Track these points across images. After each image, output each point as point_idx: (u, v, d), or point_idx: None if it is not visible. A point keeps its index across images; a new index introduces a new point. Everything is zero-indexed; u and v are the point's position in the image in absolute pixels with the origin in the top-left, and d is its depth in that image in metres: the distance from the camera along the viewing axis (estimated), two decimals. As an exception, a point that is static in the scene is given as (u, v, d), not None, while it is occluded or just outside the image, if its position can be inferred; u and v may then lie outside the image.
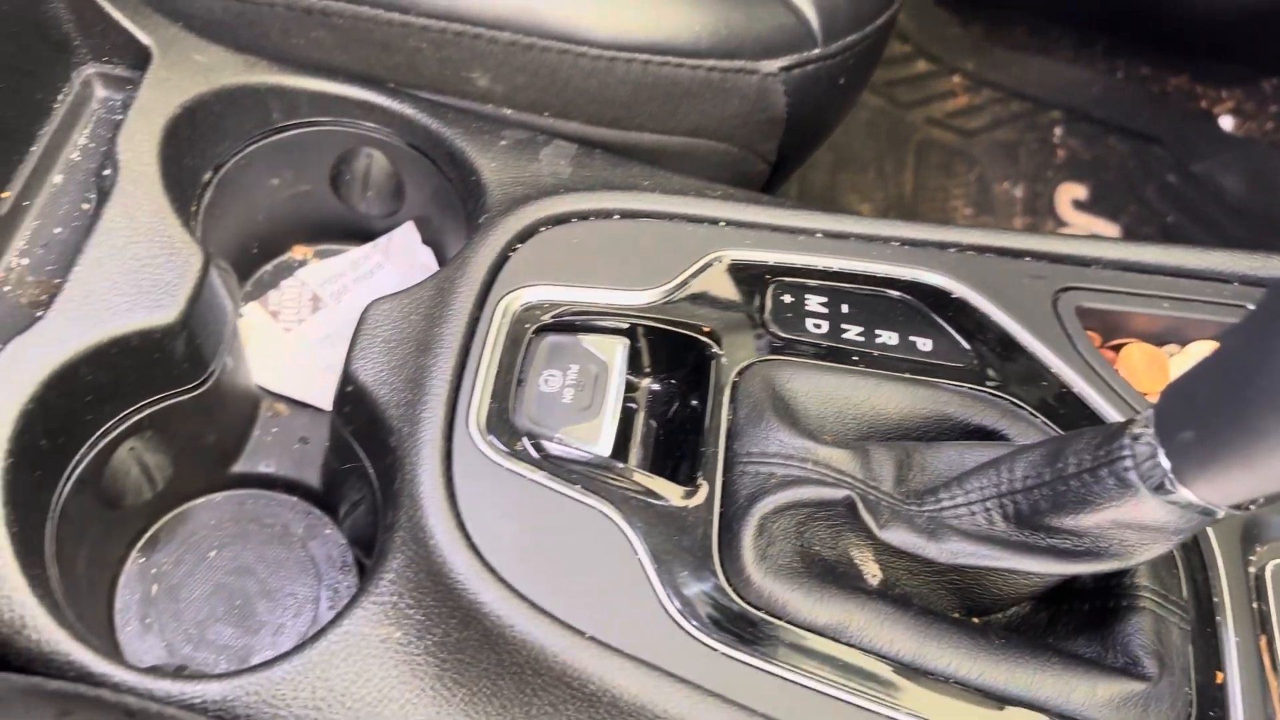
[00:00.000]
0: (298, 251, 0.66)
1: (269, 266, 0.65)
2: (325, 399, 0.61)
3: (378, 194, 0.62)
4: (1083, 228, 1.41)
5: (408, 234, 0.65)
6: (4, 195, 0.48)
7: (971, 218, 1.35)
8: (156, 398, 0.48)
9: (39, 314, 0.46)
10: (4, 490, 0.41)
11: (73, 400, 0.44)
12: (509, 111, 0.61)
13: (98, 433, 0.46)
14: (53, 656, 0.41)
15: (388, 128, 0.59)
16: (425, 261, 0.64)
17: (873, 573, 0.49)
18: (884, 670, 0.45)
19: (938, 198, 1.35)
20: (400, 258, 0.65)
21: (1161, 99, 1.50)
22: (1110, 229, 1.39)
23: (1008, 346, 0.54)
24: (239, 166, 0.57)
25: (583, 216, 0.55)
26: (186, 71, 0.52)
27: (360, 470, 0.51)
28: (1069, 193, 1.42)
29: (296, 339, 0.62)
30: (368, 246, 0.66)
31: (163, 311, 0.46)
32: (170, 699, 0.41)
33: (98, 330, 0.44)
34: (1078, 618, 0.49)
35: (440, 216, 0.62)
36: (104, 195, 0.48)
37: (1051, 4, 1.49)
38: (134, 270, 0.46)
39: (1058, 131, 1.46)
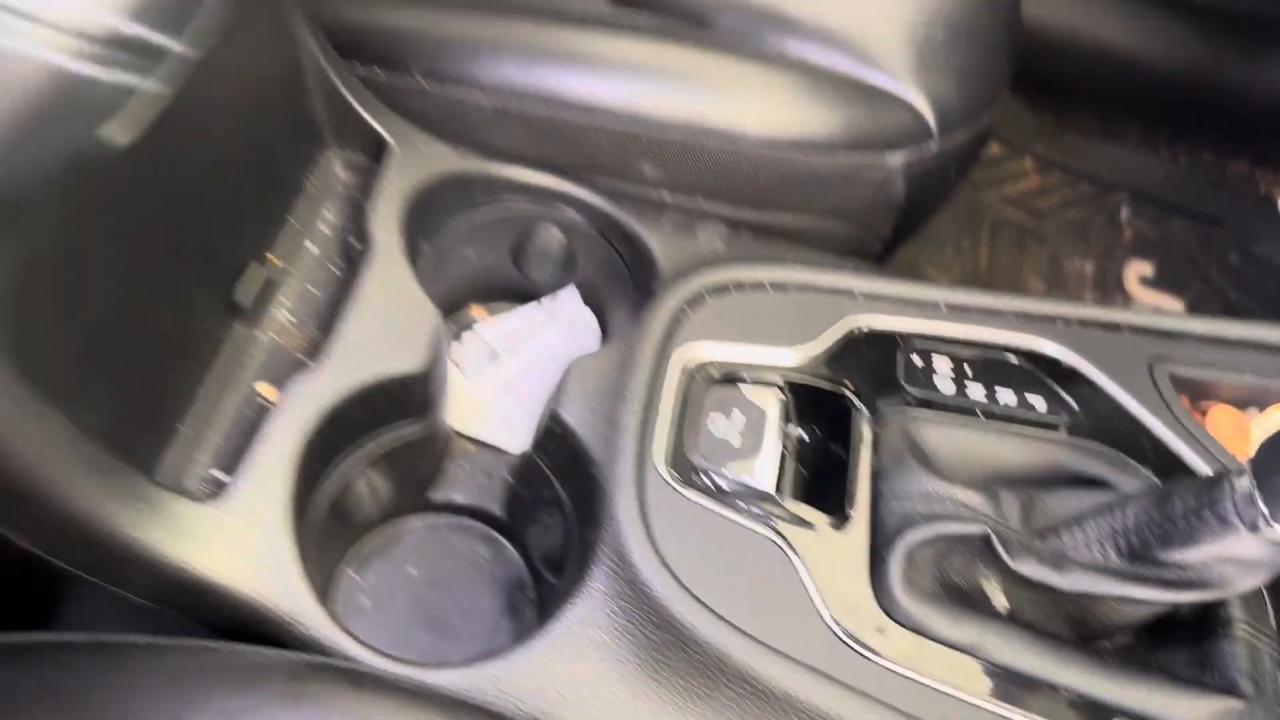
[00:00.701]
0: (474, 311, 0.76)
1: (451, 324, 0.74)
2: (505, 441, 0.69)
3: (552, 264, 0.72)
4: (1150, 303, 1.48)
5: (571, 297, 0.74)
6: (275, 261, 0.58)
7: (1044, 292, 1.42)
8: (395, 432, 0.57)
9: (304, 359, 0.55)
10: (292, 503, 0.50)
11: (338, 431, 0.54)
12: (667, 194, 0.71)
13: (349, 459, 0.56)
14: (324, 644, 0.50)
15: (568, 208, 0.69)
16: (588, 322, 0.74)
17: (1000, 602, 0.56)
18: (1014, 683, 0.52)
19: (1011, 273, 1.43)
20: (563, 318, 0.74)
21: (1222, 183, 1.57)
22: (1175, 304, 1.46)
23: (1112, 407, 0.62)
24: (445, 239, 0.67)
25: (739, 286, 0.64)
26: (416, 160, 0.63)
27: (553, 498, 0.59)
28: (1136, 270, 1.49)
29: (478, 388, 0.71)
30: (534, 307, 0.75)
31: (411, 360, 0.55)
32: (421, 686, 0.49)
33: (362, 374, 0.54)
34: (1178, 646, 0.56)
35: (605, 284, 0.72)
36: (354, 263, 0.58)
37: (1117, 93, 1.57)
38: (387, 325, 0.56)
39: (1124, 212, 1.53)
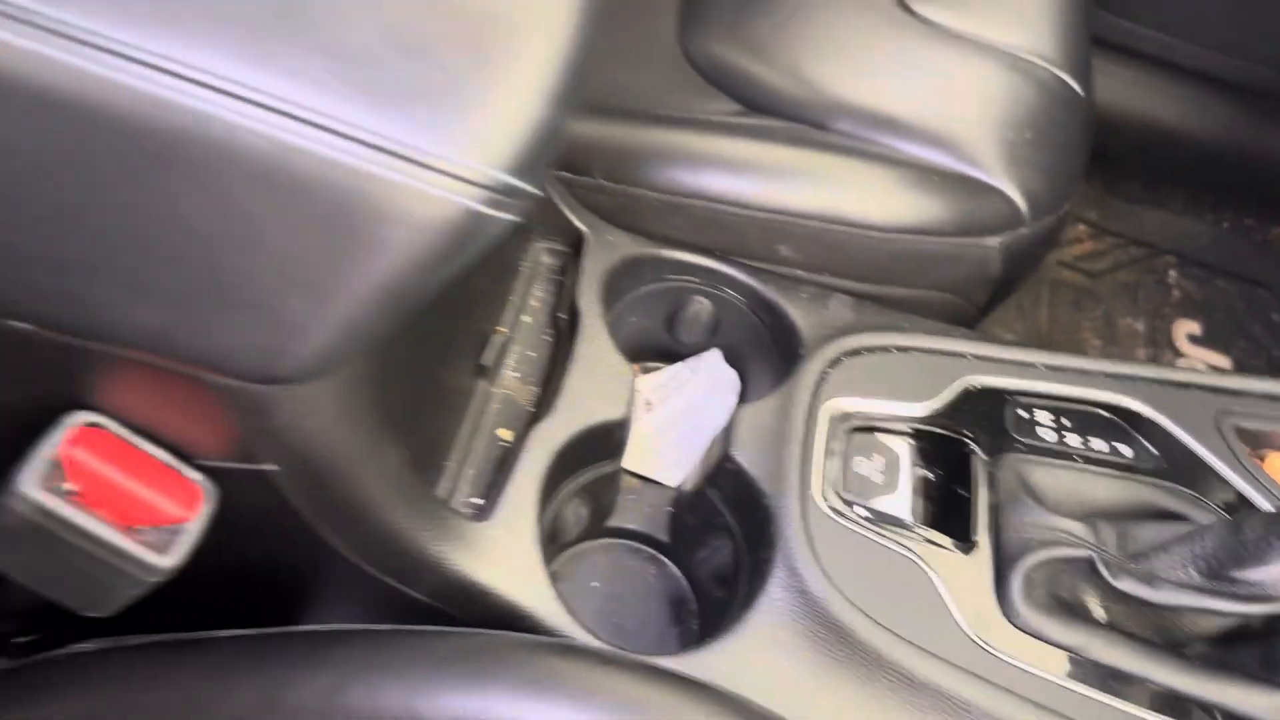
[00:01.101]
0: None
1: (614, 379, 0.88)
2: (664, 477, 0.82)
3: (700, 330, 0.85)
4: (1198, 359, 1.59)
5: (714, 357, 0.87)
6: (503, 330, 0.72)
7: (1100, 349, 1.54)
8: (595, 469, 0.71)
9: (529, 409, 0.69)
10: (536, 525, 0.63)
11: (562, 467, 0.67)
12: (801, 272, 0.84)
13: (565, 490, 0.69)
14: (570, 637, 0.63)
15: (718, 283, 0.82)
16: (729, 378, 0.86)
17: (1101, 614, 0.68)
18: (1114, 678, 0.64)
19: (1070, 330, 1.55)
20: (706, 375, 0.88)
21: (1264, 247, 1.69)
22: (1222, 360, 1.57)
23: (1186, 454, 0.74)
24: (618, 311, 0.81)
25: (870, 350, 0.77)
26: (605, 247, 0.77)
27: (723, 525, 0.72)
28: (1184, 328, 1.60)
29: (638, 432, 0.84)
30: (680, 365, 0.88)
31: (616, 409, 0.68)
32: (651, 666, 0.61)
33: (582, 421, 0.67)
34: (1249, 650, 0.68)
35: (745, 347, 0.85)
36: (562, 331, 0.72)
37: (1163, 164, 1.70)
38: (597, 382, 0.69)
39: (1172, 274, 1.65)
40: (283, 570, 0.61)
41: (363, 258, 0.43)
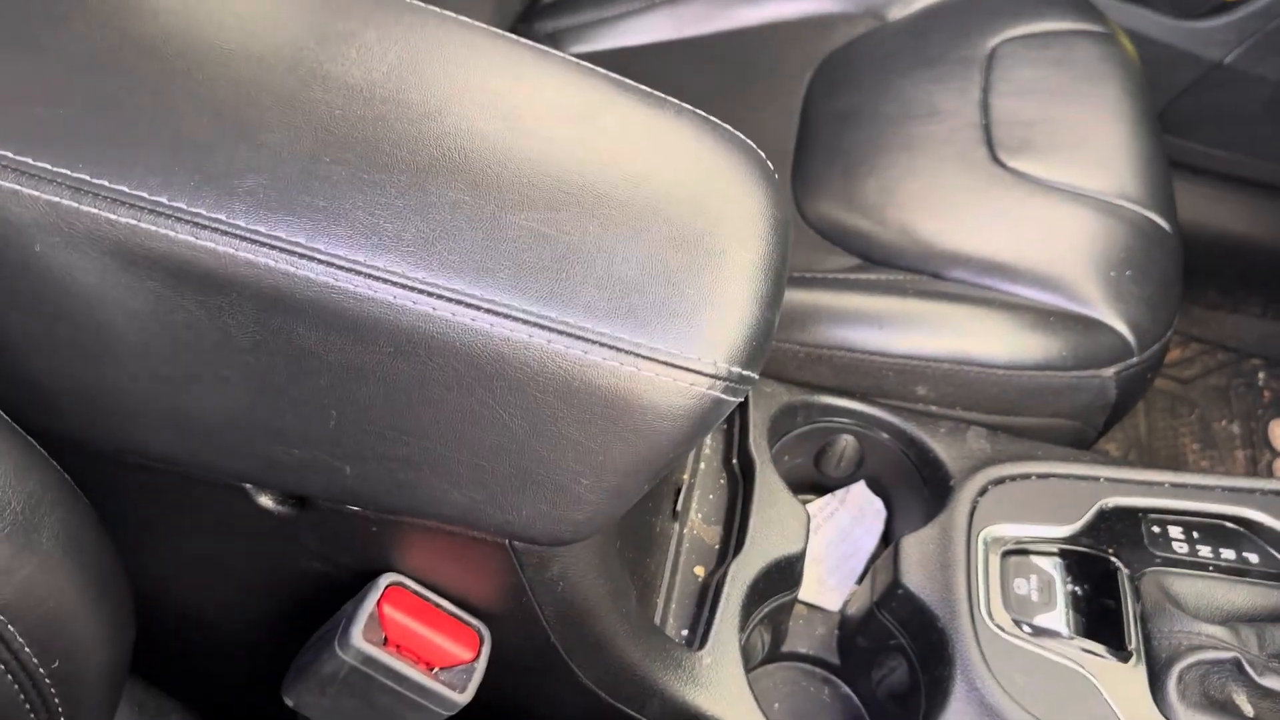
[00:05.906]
0: (785, 502, 0.98)
1: (770, 513, 0.97)
2: (825, 602, 0.91)
3: (848, 465, 0.95)
4: (1296, 457, 1.63)
5: (860, 488, 0.97)
6: (685, 478, 0.82)
7: (1199, 453, 1.60)
8: (779, 598, 0.80)
9: (717, 546, 0.79)
10: (740, 652, 0.72)
11: (753, 599, 0.76)
12: (935, 408, 0.94)
13: (754, 619, 0.78)
14: None
15: (864, 422, 0.92)
16: (877, 508, 0.96)
17: (1249, 710, 0.74)
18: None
19: (1168, 436, 1.61)
20: (853, 505, 0.97)
21: (1345, 343, 1.74)
22: (1321, 457, 1.62)
23: (1308, 560, 0.82)
24: (775, 452, 0.91)
25: (1012, 478, 0.86)
26: (764, 398, 0.87)
27: (896, 645, 0.80)
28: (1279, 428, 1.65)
29: (798, 561, 0.93)
30: (830, 497, 0.98)
31: (795, 544, 0.78)
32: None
33: (769, 556, 0.77)
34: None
35: (888, 477, 0.94)
36: (735, 476, 0.82)
37: (1237, 271, 1.77)
38: (778, 520, 0.79)
39: (1261, 376, 1.71)
40: (531, 699, 0.70)
41: (635, 441, 0.54)
